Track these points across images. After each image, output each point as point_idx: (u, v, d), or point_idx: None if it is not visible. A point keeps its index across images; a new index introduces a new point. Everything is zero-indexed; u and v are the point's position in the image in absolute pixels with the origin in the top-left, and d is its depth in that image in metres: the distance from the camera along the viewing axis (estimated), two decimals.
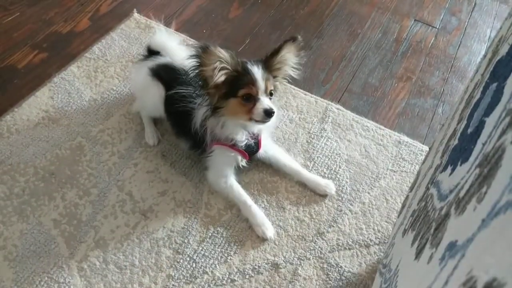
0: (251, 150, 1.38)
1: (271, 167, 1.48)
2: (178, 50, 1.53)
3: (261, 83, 1.23)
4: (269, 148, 1.46)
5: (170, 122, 1.49)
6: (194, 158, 1.48)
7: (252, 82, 1.23)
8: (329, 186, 1.43)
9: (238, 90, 1.23)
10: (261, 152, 1.43)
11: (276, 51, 1.28)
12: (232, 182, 1.39)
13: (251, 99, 1.24)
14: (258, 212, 1.35)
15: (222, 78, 1.22)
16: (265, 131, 1.40)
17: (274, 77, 1.31)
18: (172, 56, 1.49)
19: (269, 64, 1.28)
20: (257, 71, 1.23)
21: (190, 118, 1.33)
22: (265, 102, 1.24)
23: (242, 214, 1.36)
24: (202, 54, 1.17)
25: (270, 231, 1.33)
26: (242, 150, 1.36)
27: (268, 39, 1.96)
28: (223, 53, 1.19)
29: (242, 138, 1.34)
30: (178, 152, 1.50)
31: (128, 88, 1.67)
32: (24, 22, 1.90)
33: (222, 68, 1.20)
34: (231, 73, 1.22)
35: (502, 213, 0.44)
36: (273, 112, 1.23)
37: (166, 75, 1.44)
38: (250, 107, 1.24)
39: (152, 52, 1.54)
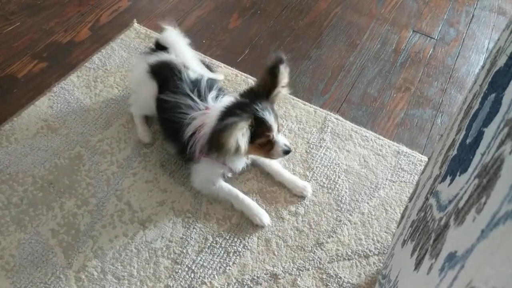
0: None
1: (270, 177, 1.48)
2: (186, 50, 1.51)
3: (274, 126, 1.26)
4: None
5: (160, 124, 1.49)
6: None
7: (268, 129, 1.25)
8: (306, 188, 1.44)
9: (255, 139, 1.25)
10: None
11: (274, 82, 1.26)
12: (220, 182, 1.39)
13: (268, 142, 1.27)
14: (251, 203, 1.37)
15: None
16: None
17: None
18: (179, 54, 1.47)
19: (271, 97, 1.29)
20: (269, 116, 1.24)
21: (179, 127, 1.31)
22: (281, 142, 1.28)
23: (235, 208, 1.38)
24: (223, 136, 1.16)
25: (266, 217, 1.36)
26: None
27: (267, 50, 1.97)
28: (242, 126, 1.18)
29: (242, 165, 1.38)
30: (177, 161, 1.50)
31: (127, 87, 1.68)
32: (24, 32, 1.91)
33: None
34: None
35: (502, 224, 0.44)
36: (290, 150, 1.30)
37: (163, 75, 1.42)
38: (268, 149, 1.30)
39: (160, 47, 1.52)
